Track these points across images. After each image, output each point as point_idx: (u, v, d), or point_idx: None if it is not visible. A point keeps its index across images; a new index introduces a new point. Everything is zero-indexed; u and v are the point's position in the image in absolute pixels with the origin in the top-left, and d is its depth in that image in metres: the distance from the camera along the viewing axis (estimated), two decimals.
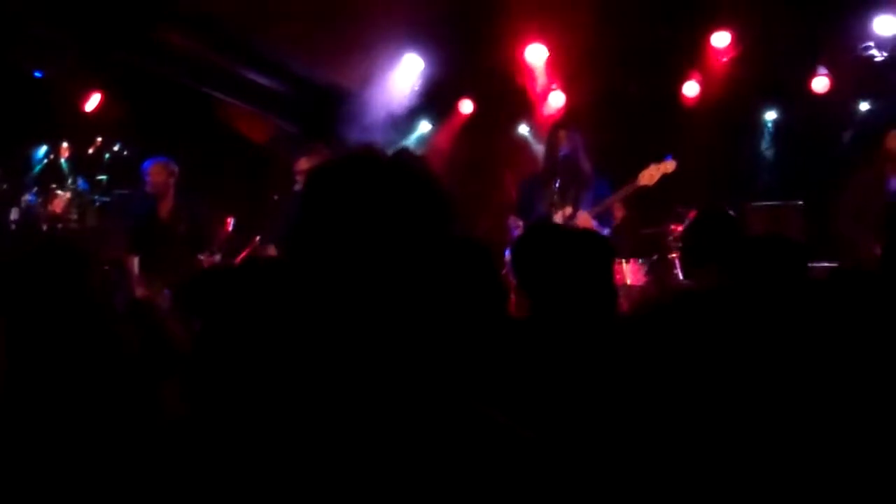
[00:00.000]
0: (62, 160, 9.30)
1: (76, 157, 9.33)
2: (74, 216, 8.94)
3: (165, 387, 2.89)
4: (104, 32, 6.58)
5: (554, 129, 6.65)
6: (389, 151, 1.26)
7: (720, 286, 0.91)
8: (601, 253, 2.51)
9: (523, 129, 9.85)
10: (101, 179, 9.17)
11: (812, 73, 8.65)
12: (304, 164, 6.20)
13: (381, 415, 1.13)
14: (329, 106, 8.82)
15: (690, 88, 8.95)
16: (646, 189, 6.60)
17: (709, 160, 8.15)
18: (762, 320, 0.89)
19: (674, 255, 7.76)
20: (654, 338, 1.01)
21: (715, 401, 0.93)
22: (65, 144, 9.27)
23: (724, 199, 7.24)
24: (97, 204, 9.09)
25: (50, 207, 8.82)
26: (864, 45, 8.25)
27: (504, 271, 7.05)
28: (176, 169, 6.80)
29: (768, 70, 8.51)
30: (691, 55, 8.71)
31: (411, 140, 9.68)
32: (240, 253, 7.44)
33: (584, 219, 6.23)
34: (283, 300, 1.27)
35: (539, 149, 9.40)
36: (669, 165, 6.55)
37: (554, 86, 9.07)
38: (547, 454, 1.17)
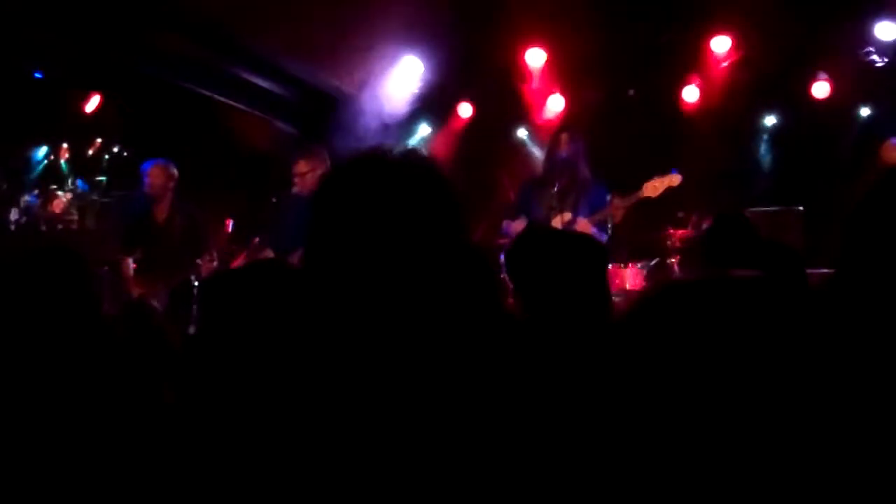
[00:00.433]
0: (62, 161, 9.33)
1: (76, 159, 9.36)
2: (74, 217, 8.96)
3: (163, 388, 2.89)
4: (104, 34, 6.58)
5: (556, 133, 6.65)
6: (399, 152, 1.25)
7: (707, 277, 0.90)
8: (595, 257, 2.50)
9: (522, 133, 9.85)
10: (101, 181, 9.20)
11: (812, 79, 8.64)
12: (302, 166, 6.19)
13: (387, 415, 1.13)
14: (328, 108, 8.81)
15: (690, 93, 8.94)
16: (649, 200, 6.60)
17: (708, 165, 8.13)
18: (746, 313, 0.89)
19: (673, 259, 7.76)
20: (642, 333, 1.00)
21: (703, 397, 0.92)
22: (64, 145, 9.30)
23: (724, 205, 7.24)
24: (96, 205, 9.11)
25: (49, 208, 8.84)
26: (864, 50, 8.25)
27: (501, 275, 7.10)
28: (175, 171, 6.78)
29: (768, 75, 8.50)
30: (691, 60, 8.70)
31: (410, 143, 9.67)
32: (238, 255, 7.43)
33: (584, 225, 6.22)
34: (292, 303, 1.27)
35: (537, 153, 9.43)
36: (675, 179, 6.55)
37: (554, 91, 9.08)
38: (546, 456, 1.16)
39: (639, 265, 7.60)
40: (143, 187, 6.72)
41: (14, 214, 8.67)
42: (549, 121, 9.00)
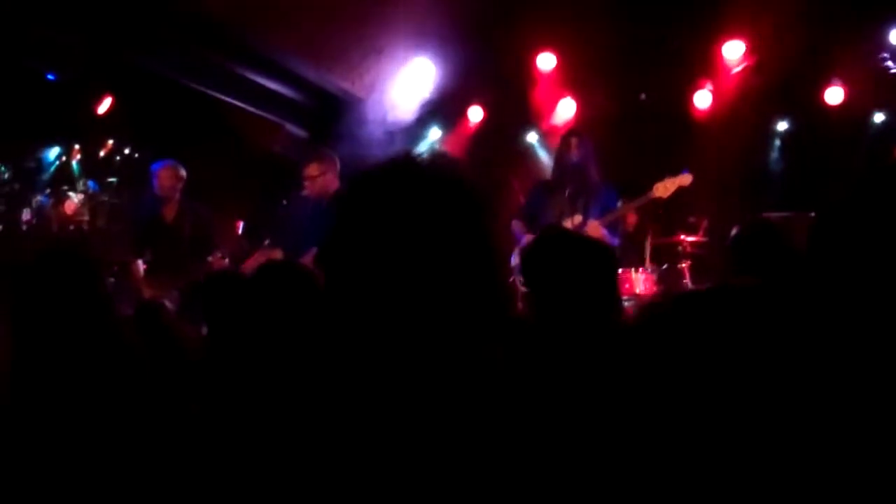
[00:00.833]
0: (73, 162, 9.36)
1: (87, 160, 9.39)
2: (85, 218, 8.99)
3: (175, 389, 2.89)
4: (116, 36, 6.61)
5: (566, 136, 6.64)
6: (426, 157, 1.24)
7: (718, 287, 0.89)
8: (607, 261, 2.51)
9: (531, 138, 9.84)
10: (112, 182, 9.23)
11: (826, 84, 8.61)
12: (313, 169, 6.19)
13: (404, 417, 1.12)
14: (339, 112, 8.82)
15: (702, 98, 8.91)
16: (660, 201, 6.58)
17: (720, 170, 8.11)
18: (766, 320, 0.88)
19: (684, 264, 7.74)
20: (655, 342, 0.99)
21: (716, 406, 0.91)
22: (76, 147, 9.33)
23: (736, 210, 7.22)
24: (107, 206, 9.14)
25: (61, 209, 8.87)
26: (879, 56, 8.22)
27: (511, 278, 7.09)
28: (184, 172, 6.81)
29: (781, 81, 8.47)
30: (703, 64, 8.68)
31: (421, 146, 9.68)
32: (248, 257, 7.44)
33: (594, 227, 6.21)
34: (308, 306, 1.27)
35: (545, 157, 9.43)
36: (685, 179, 6.52)
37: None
38: (553, 457, 1.16)
39: (650, 270, 7.58)
40: (153, 188, 6.75)
41: (26, 215, 8.70)
42: (560, 125, 8.99)
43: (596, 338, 2.39)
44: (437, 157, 1.25)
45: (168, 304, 4.67)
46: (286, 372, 1.21)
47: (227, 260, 6.88)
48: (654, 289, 7.48)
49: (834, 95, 8.62)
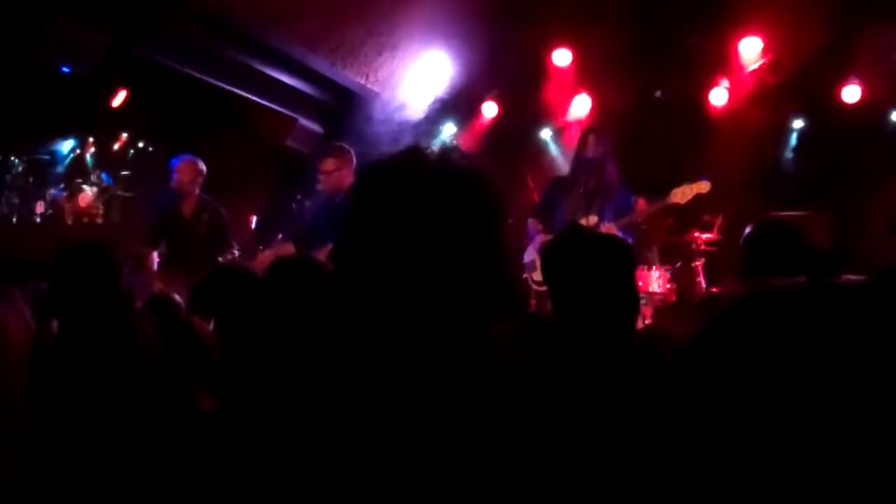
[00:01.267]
0: (87, 155, 9.37)
1: (101, 153, 9.41)
2: (99, 211, 9.01)
3: (191, 381, 2.90)
4: (131, 29, 6.62)
5: (585, 134, 6.64)
6: (437, 152, 1.23)
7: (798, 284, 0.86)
8: (627, 260, 2.50)
9: (546, 134, 9.81)
10: (126, 175, 9.25)
11: (843, 83, 8.56)
12: (329, 164, 6.19)
13: (416, 414, 1.12)
14: (354, 106, 8.82)
15: (718, 95, 8.87)
16: (676, 207, 6.58)
17: (735, 168, 8.08)
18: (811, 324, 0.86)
19: (697, 262, 7.72)
20: (738, 337, 0.96)
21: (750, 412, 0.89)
22: (90, 140, 9.35)
23: (752, 208, 7.18)
24: (121, 199, 9.16)
25: (75, 202, 8.88)
26: None
27: (524, 275, 7.08)
28: (203, 167, 6.83)
29: (798, 78, 8.42)
30: (719, 62, 8.64)
31: (434, 141, 9.67)
32: (261, 251, 7.45)
33: (609, 230, 6.20)
34: (323, 304, 1.26)
35: (558, 154, 9.41)
36: (703, 186, 6.53)
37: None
38: (578, 454, 1.14)
39: (663, 268, 7.56)
40: (171, 183, 6.77)
41: (40, 208, 8.73)
42: (576, 121, 8.98)
43: (618, 337, 2.38)
44: (448, 150, 1.23)
45: (177, 297, 4.67)
46: (300, 369, 1.20)
47: (236, 255, 6.89)
48: (668, 287, 7.47)
49: (851, 93, 8.57)
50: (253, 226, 8.49)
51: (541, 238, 6.59)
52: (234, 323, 3.23)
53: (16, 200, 8.56)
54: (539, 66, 8.90)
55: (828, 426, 0.87)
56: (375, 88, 8.72)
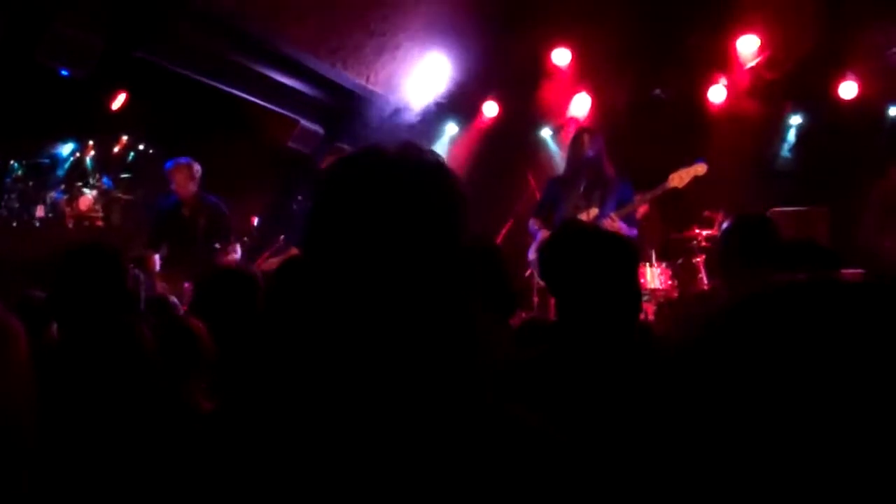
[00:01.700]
0: (87, 158, 9.38)
1: (101, 156, 9.41)
2: (99, 214, 9.02)
3: (188, 382, 2.90)
4: (130, 32, 6.62)
5: (578, 133, 6.67)
6: (397, 148, 1.22)
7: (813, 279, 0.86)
8: (629, 255, 2.47)
9: (547, 133, 9.83)
10: (126, 177, 9.26)
11: (840, 79, 8.58)
12: None
13: (409, 416, 1.11)
14: (354, 107, 8.82)
15: (716, 93, 8.89)
16: (675, 191, 6.58)
17: (735, 165, 8.09)
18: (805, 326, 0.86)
19: (698, 258, 7.73)
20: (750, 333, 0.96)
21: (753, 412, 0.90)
22: (90, 143, 9.36)
23: (750, 204, 7.19)
24: (121, 202, 9.17)
25: (75, 205, 8.89)
26: (893, 50, 8.18)
27: (528, 273, 7.09)
28: (198, 168, 6.85)
29: (795, 75, 8.44)
30: (718, 59, 8.66)
31: (437, 141, 9.68)
32: (263, 252, 7.46)
33: (611, 221, 6.22)
34: (304, 302, 1.24)
35: (557, 153, 9.43)
36: (701, 168, 6.53)
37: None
38: (578, 456, 1.15)
39: (664, 264, 7.58)
40: (169, 185, 6.81)
41: (40, 211, 8.73)
42: (576, 120, 9.00)
43: (621, 335, 2.36)
44: (408, 145, 1.23)
45: (174, 299, 4.69)
46: (297, 370, 1.21)
47: (237, 253, 6.90)
48: (669, 283, 7.49)
49: (848, 89, 8.59)
50: (255, 227, 8.50)
51: (542, 235, 6.61)
52: (235, 324, 3.25)
53: (16, 204, 8.57)
54: (539, 66, 8.91)
55: (831, 425, 0.87)
56: (377, 89, 8.73)
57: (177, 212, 6.84)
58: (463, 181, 1.24)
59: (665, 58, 8.48)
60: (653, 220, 7.91)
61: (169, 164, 6.87)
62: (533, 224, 6.73)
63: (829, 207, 8.26)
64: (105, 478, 2.55)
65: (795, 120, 9.30)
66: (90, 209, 9.01)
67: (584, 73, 8.94)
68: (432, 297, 1.16)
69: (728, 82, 8.81)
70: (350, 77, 8.48)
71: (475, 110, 9.57)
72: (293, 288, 2.64)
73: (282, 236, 7.52)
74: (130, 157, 9.52)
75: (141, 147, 9.47)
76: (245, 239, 7.14)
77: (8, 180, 8.59)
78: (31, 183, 8.82)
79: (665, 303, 7.16)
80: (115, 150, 9.50)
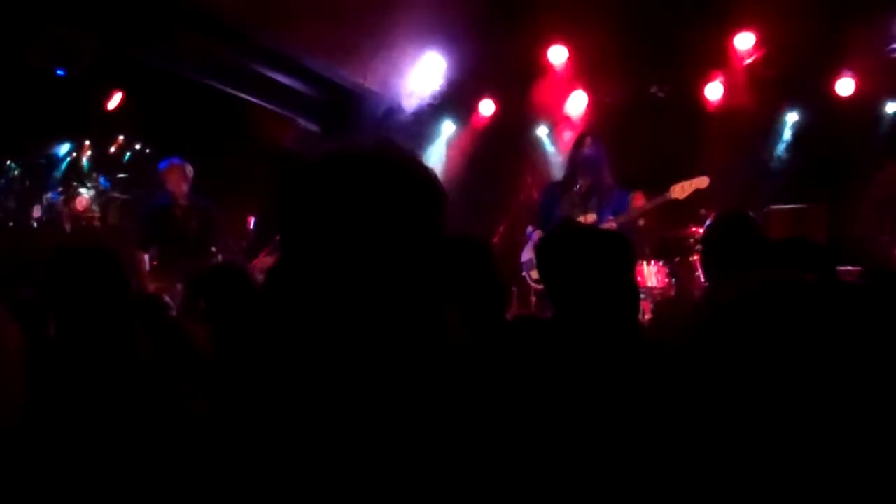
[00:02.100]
0: (84, 158, 9.37)
1: (98, 156, 9.40)
2: (96, 214, 9.00)
3: (181, 382, 2.89)
4: (126, 31, 6.61)
5: (581, 137, 6.65)
6: (372, 147, 1.21)
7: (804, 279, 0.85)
8: (626, 254, 2.47)
9: (543, 131, 9.82)
10: (122, 177, 9.24)
11: (837, 75, 8.57)
12: None
13: (392, 415, 1.11)
14: (351, 106, 8.82)
15: (714, 90, 8.89)
16: (676, 202, 6.58)
17: (732, 162, 8.09)
18: (798, 324, 0.85)
19: (695, 257, 7.72)
20: (744, 330, 0.95)
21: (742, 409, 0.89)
22: (87, 143, 9.34)
23: (748, 202, 7.19)
24: (118, 202, 9.16)
25: (72, 205, 8.88)
26: (890, 46, 8.17)
27: (522, 273, 7.08)
28: (190, 168, 6.85)
29: (793, 72, 8.44)
30: (715, 57, 8.66)
31: (433, 139, 9.68)
32: (259, 252, 7.46)
33: (608, 226, 6.21)
34: (287, 303, 1.23)
35: (553, 152, 9.43)
36: (703, 181, 6.54)
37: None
38: (561, 450, 1.13)
39: (661, 263, 7.58)
40: (163, 185, 6.80)
41: (37, 211, 8.72)
42: (572, 118, 8.99)
43: (617, 332, 2.36)
44: (384, 142, 1.22)
45: (168, 299, 4.67)
46: (293, 371, 1.20)
47: (221, 256, 6.89)
48: (666, 282, 7.48)
49: (845, 86, 8.58)
50: (251, 226, 8.49)
51: (538, 235, 6.61)
52: (229, 324, 3.24)
53: (12, 205, 8.55)
54: (535, 64, 8.91)
55: (831, 423, 0.87)
56: (373, 88, 8.72)
57: (168, 212, 6.83)
58: (456, 180, 1.23)
59: (662, 55, 8.47)
60: (649, 218, 7.90)
61: (162, 165, 6.87)
62: (530, 227, 6.75)
63: (827, 204, 8.26)
64: (98, 479, 2.54)
65: (792, 117, 9.29)
66: (87, 209, 9.00)
67: (581, 71, 8.93)
68: (402, 294, 1.15)
69: (725, 79, 8.81)
70: (346, 76, 8.48)
71: (471, 108, 9.57)
72: (275, 288, 2.63)
73: (277, 236, 7.50)
74: (127, 157, 9.50)
75: (137, 147, 9.45)
76: (241, 246, 7.14)
77: (4, 181, 8.57)
78: (27, 183, 8.81)
79: (662, 301, 7.16)
80: (112, 149, 9.48)
